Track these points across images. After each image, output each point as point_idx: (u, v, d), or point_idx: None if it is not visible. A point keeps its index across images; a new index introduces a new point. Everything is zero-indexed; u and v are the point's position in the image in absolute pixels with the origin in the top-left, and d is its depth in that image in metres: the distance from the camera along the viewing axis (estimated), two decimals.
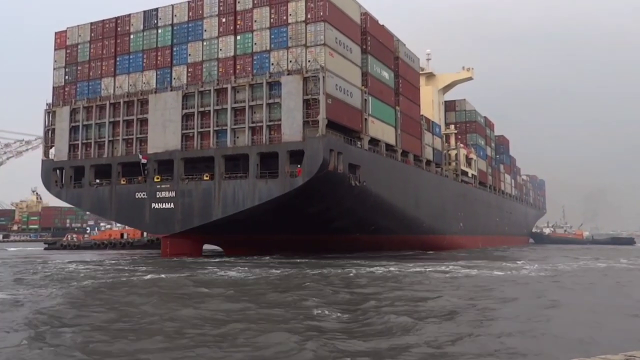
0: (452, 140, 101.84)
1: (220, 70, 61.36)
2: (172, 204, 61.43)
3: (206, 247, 69.45)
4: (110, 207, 65.56)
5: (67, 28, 71.23)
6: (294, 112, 56.19)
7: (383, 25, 72.06)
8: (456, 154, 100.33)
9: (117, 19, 68.39)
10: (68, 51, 70.64)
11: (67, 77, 70.43)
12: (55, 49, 71.63)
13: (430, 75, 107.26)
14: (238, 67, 60.59)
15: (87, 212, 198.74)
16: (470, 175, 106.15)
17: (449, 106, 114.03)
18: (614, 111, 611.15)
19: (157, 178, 62.38)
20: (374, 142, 65.89)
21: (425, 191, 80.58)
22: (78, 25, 70.65)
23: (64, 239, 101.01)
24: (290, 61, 57.77)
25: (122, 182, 64.75)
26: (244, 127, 58.91)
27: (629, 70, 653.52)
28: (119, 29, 67.90)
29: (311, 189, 55.70)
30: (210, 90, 60.83)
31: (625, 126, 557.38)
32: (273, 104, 57.90)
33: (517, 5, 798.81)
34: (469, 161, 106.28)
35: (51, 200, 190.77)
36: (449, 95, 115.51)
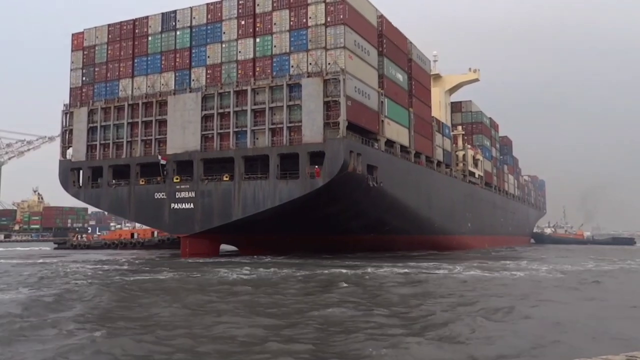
0: (460, 141, 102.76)
1: (240, 72, 62.06)
2: (191, 204, 62.07)
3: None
4: (129, 207, 66.15)
5: (84, 30, 71.77)
6: (315, 113, 56.92)
7: (396, 28, 72.86)
8: (464, 155, 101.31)
9: (134, 20, 69.00)
10: (85, 52, 71.19)
11: (84, 78, 70.96)
12: (72, 51, 72.13)
13: (437, 77, 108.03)
14: (257, 69, 61.29)
15: (89, 212, 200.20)
16: (477, 175, 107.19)
17: (455, 107, 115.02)
18: (613, 107, 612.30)
19: (177, 178, 63.02)
20: (389, 143, 66.73)
21: (436, 192, 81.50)
22: (95, 27, 71.17)
23: (74, 238, 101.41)
24: (310, 63, 58.52)
25: (141, 183, 65.34)
26: (264, 129, 59.63)
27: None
28: (136, 30, 68.49)
29: (331, 189, 56.50)
30: (229, 92, 61.53)
31: (626, 123, 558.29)
32: (293, 105, 58.64)
33: (503, 4, 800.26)
34: (475, 162, 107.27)
35: (52, 200, 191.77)
36: (455, 97, 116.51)
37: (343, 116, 55.88)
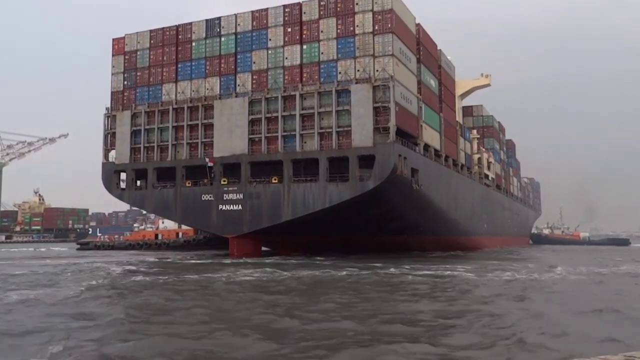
0: (475, 145, 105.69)
1: (287, 77, 64.00)
2: (239, 205, 63.86)
3: None
4: (175, 209, 67.69)
5: (126, 35, 73.17)
6: (364, 118, 59.09)
7: (429, 35, 75.38)
8: (479, 158, 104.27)
9: (177, 27, 70.62)
10: (126, 57, 72.58)
11: (125, 82, 72.34)
12: (113, 55, 73.46)
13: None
14: (305, 75, 63.30)
15: (90, 213, 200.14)
16: (490, 178, 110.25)
17: (467, 111, 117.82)
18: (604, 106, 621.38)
19: (224, 181, 64.75)
20: (425, 147, 69.18)
21: (461, 194, 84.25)
22: (137, 33, 72.62)
23: (97, 239, 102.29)
24: (358, 70, 60.71)
25: (187, 185, 66.94)
26: (313, 133, 61.65)
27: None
28: (179, 36, 70.10)
29: (380, 192, 58.72)
30: (277, 97, 63.43)
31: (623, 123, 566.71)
32: (341, 110, 60.73)
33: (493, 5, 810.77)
34: (488, 165, 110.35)
35: (53, 201, 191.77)
36: (466, 101, 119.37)
37: (393, 121, 58.16)
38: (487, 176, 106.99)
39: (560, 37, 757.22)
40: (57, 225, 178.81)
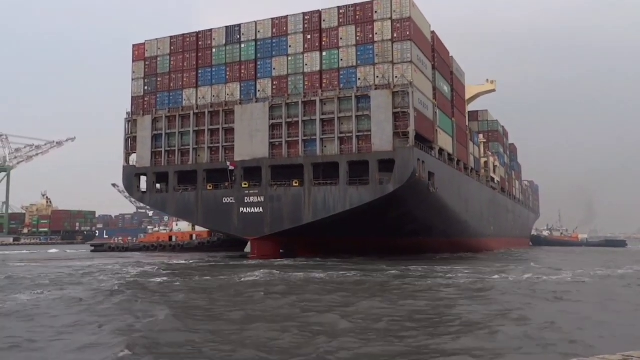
0: (482, 149, 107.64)
1: (307, 83, 65.67)
2: (260, 208, 65.43)
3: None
4: (196, 212, 69.19)
5: (146, 41, 74.69)
6: (384, 123, 60.82)
7: (442, 42, 77.26)
8: (485, 162, 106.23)
9: (197, 33, 72.22)
10: (147, 63, 74.09)
11: (146, 87, 73.86)
12: (133, 61, 74.99)
13: None
14: (324, 81, 64.99)
15: (97, 215, 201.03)
16: (495, 181, 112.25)
17: (472, 116, 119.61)
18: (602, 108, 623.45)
19: (245, 184, 66.32)
20: (439, 151, 70.96)
21: (471, 197, 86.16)
22: (157, 39, 74.18)
23: (112, 241, 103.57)
24: (377, 77, 62.44)
25: (209, 188, 68.46)
26: (333, 137, 63.31)
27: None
28: (200, 42, 71.69)
29: (399, 195, 60.43)
30: (297, 102, 65.09)
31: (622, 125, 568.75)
32: (361, 116, 62.41)
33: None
34: (494, 168, 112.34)
35: (60, 204, 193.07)
36: (471, 106, 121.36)
37: (412, 126, 59.91)
38: (492, 179, 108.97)
39: (561, 38, 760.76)
40: (65, 227, 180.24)
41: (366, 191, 61.11)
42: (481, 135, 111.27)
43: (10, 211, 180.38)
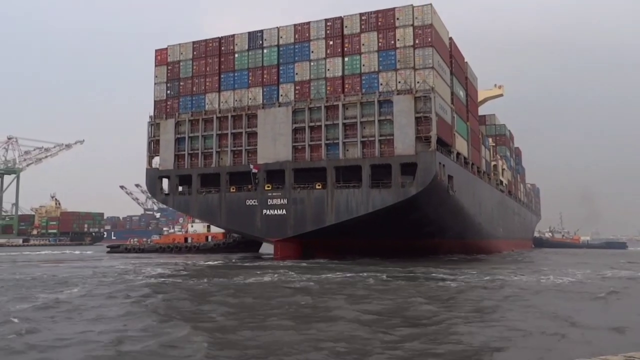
0: (491, 152, 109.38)
1: (329, 88, 67.19)
2: (284, 210, 66.86)
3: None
4: (219, 213, 70.58)
5: (168, 46, 76.12)
6: (406, 128, 62.36)
7: (458, 48, 78.97)
8: (495, 165, 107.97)
9: (220, 38, 73.67)
10: (169, 67, 75.52)
11: (168, 91, 75.28)
12: (155, 65, 76.40)
13: None
14: (347, 86, 66.51)
15: (105, 217, 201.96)
16: (504, 184, 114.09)
17: (481, 120, 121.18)
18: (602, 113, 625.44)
19: (268, 186, 67.76)
20: (457, 155, 72.58)
21: (484, 199, 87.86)
22: (179, 44, 75.61)
23: (127, 242, 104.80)
24: (399, 82, 64.00)
25: (232, 190, 69.87)
26: (355, 141, 64.82)
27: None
28: (222, 48, 73.14)
29: (421, 197, 61.98)
30: (320, 106, 66.59)
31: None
32: (383, 120, 63.92)
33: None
34: (502, 171, 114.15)
35: (69, 205, 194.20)
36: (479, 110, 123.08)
37: (434, 131, 61.48)
38: (501, 182, 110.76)
39: (562, 41, 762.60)
40: (73, 228, 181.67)
41: (388, 194, 62.59)
42: (490, 139, 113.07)
43: (19, 213, 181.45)
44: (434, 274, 42.74)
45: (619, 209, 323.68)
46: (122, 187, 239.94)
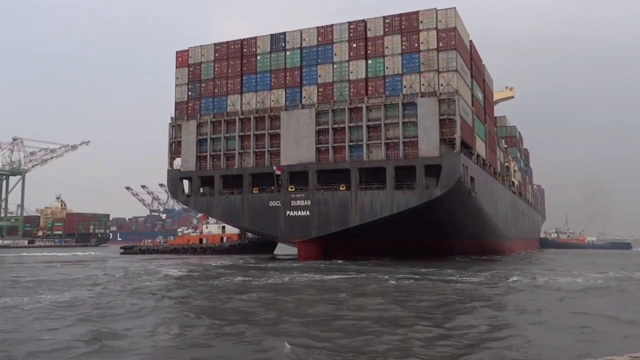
0: (504, 154, 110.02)
1: (352, 90, 67.69)
2: (307, 211, 67.29)
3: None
4: (242, 215, 70.97)
5: (189, 48, 76.53)
6: (431, 130, 62.91)
7: (477, 51, 79.60)
8: (507, 167, 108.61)
9: (242, 40, 74.12)
10: (191, 69, 75.92)
11: (190, 93, 75.67)
12: (177, 67, 76.79)
13: None
14: (370, 88, 67.04)
15: (111, 219, 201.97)
16: (515, 185, 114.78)
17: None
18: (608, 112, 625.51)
19: (292, 188, 68.20)
20: (477, 156, 73.17)
21: (500, 201, 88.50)
22: (201, 46, 76.04)
23: (141, 243, 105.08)
24: (423, 84, 64.57)
25: (254, 192, 70.27)
26: (379, 143, 65.33)
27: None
28: (244, 50, 73.59)
29: (444, 199, 62.54)
30: (343, 108, 67.09)
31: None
32: (407, 122, 64.47)
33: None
34: (513, 173, 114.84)
35: (75, 207, 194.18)
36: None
37: (458, 133, 62.07)
38: (513, 184, 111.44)
39: (566, 44, 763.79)
40: (79, 230, 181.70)
41: (413, 195, 63.12)
42: (503, 141, 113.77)
43: (25, 214, 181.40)
44: (470, 278, 42.17)
45: (626, 207, 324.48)
46: (127, 188, 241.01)
